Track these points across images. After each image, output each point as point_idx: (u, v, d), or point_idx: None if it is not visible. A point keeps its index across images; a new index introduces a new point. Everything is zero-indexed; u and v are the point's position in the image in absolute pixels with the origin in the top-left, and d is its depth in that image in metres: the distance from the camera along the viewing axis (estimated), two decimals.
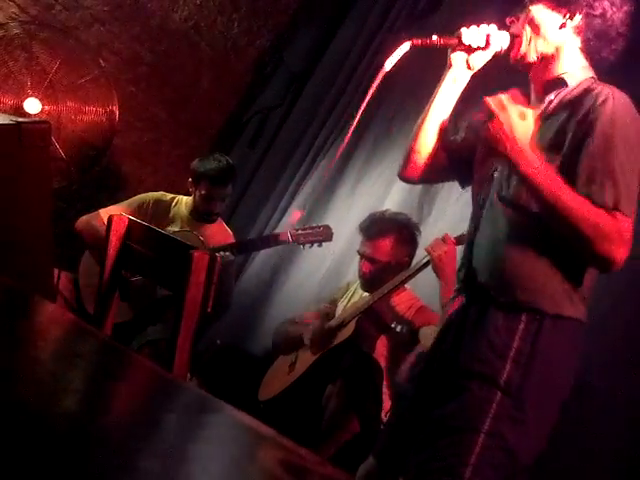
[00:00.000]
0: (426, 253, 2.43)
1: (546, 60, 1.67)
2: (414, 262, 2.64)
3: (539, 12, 1.66)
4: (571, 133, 1.55)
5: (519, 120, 1.55)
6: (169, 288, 1.90)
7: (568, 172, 1.52)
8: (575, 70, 1.65)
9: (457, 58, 1.73)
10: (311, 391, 2.63)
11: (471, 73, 1.75)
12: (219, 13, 3.87)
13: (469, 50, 1.70)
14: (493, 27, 1.68)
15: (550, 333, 1.55)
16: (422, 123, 1.79)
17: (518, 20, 1.70)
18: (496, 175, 1.68)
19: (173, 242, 1.86)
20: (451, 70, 1.75)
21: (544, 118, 1.63)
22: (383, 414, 2.49)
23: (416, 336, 2.50)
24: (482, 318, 1.59)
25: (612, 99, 1.52)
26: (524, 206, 1.59)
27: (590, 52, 1.66)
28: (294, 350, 2.83)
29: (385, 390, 2.54)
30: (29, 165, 1.52)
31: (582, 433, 2.16)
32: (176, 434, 0.69)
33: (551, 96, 1.65)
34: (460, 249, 2.25)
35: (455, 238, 2.36)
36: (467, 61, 1.73)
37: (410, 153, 1.82)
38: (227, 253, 2.95)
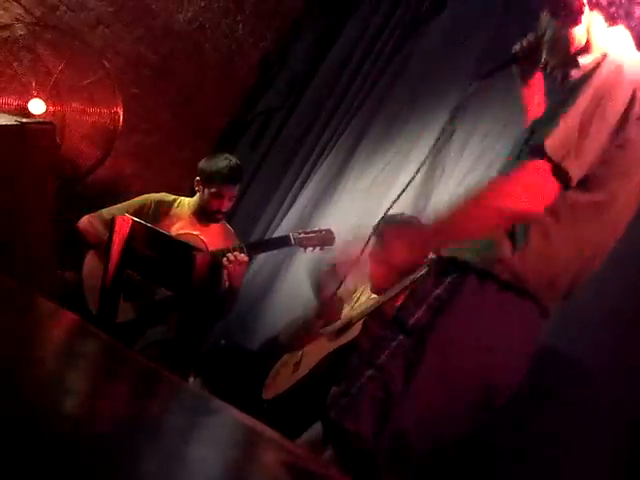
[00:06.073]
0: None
1: None
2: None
3: None
4: None
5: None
6: (172, 289, 1.91)
7: None
8: None
9: None
10: (316, 391, 2.61)
11: None
12: (223, 15, 3.87)
13: None
14: None
15: (474, 290, 1.53)
16: None
17: None
18: None
19: (176, 244, 1.86)
20: None
21: None
22: None
23: None
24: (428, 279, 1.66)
25: None
26: None
27: None
28: (300, 348, 2.83)
29: None
30: (33, 166, 1.52)
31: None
32: (178, 435, 0.69)
33: None
34: None
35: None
36: None
37: None
38: (242, 254, 2.96)
